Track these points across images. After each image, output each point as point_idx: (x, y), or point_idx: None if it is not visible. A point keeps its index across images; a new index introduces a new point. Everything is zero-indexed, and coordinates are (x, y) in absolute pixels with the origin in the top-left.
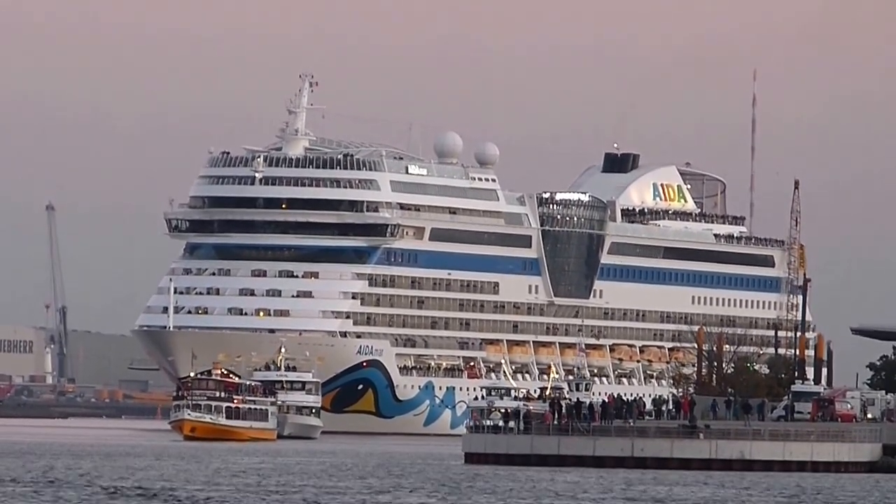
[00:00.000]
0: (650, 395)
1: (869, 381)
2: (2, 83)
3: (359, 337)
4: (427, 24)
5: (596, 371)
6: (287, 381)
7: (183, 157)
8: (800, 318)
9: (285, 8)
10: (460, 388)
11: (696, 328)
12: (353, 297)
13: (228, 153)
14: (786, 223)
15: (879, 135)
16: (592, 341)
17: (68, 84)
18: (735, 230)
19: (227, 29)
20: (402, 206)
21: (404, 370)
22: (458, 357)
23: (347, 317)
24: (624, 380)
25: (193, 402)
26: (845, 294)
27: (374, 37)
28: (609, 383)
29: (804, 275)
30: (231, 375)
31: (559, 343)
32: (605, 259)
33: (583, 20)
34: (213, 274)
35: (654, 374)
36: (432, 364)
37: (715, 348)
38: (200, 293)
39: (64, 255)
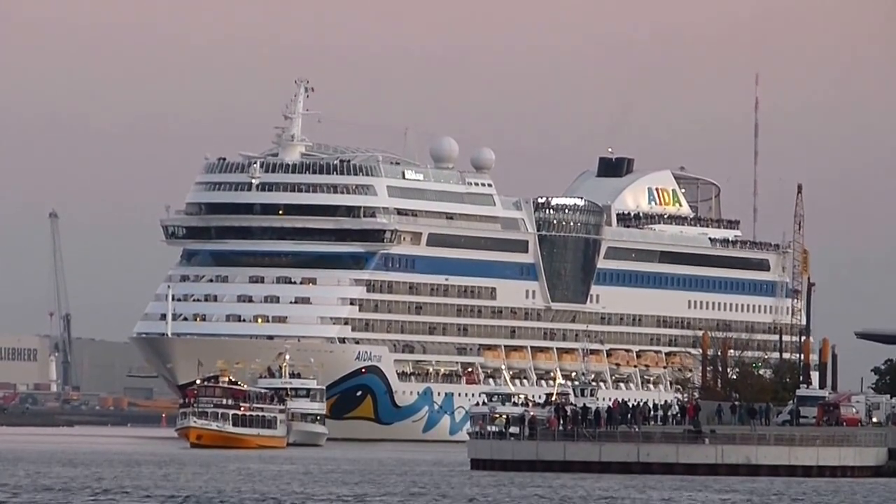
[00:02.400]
0: (652, 400)
1: (874, 386)
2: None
3: (357, 343)
4: (422, 31)
5: (593, 376)
6: (292, 389)
7: (181, 163)
8: (796, 321)
9: (280, 14)
10: (459, 394)
11: (693, 332)
12: (352, 303)
13: (225, 159)
14: (780, 227)
15: (881, 137)
16: (597, 346)
17: (62, 90)
18: (730, 234)
19: (223, 35)
20: (400, 212)
21: (403, 376)
22: (457, 363)
23: (346, 323)
24: (622, 385)
25: (200, 410)
26: (847, 298)
27: (369, 42)
28: (606, 388)
29: (808, 279)
30: (238, 383)
31: (557, 348)
32: (602, 264)
33: (577, 26)
34: (211, 281)
35: (652, 378)
36: (430, 370)
37: (720, 353)
38: (198, 300)
39: (67, 263)
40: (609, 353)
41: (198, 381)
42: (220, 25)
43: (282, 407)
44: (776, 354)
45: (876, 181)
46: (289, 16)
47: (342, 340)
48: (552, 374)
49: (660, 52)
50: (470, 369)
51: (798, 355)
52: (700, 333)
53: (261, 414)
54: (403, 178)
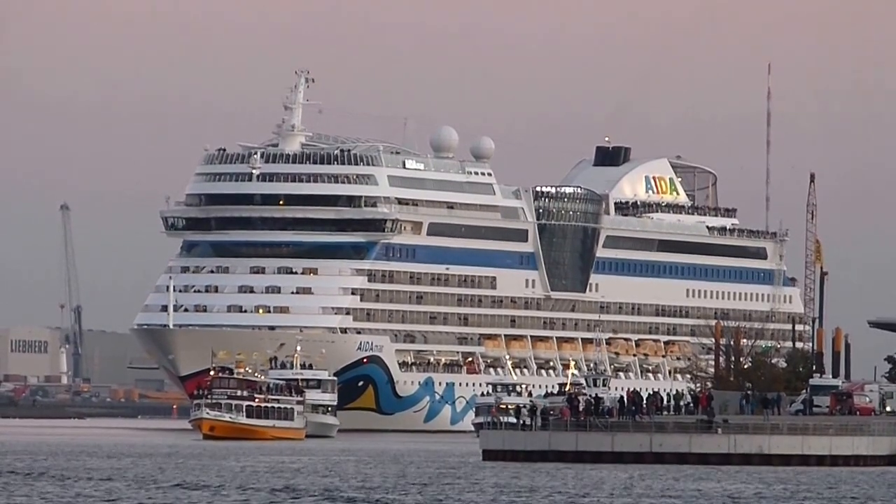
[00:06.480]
0: (665, 390)
1: (887, 374)
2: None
3: (358, 333)
4: (421, 21)
5: (592, 365)
6: (303, 380)
7: (181, 154)
8: (794, 310)
9: (280, 5)
10: (460, 384)
11: (693, 321)
12: (353, 293)
13: (224, 150)
14: (778, 215)
15: (888, 128)
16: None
17: (59, 83)
18: (727, 222)
19: (223, 26)
20: (400, 201)
21: (404, 366)
22: (457, 352)
23: (347, 313)
24: (621, 374)
25: (213, 401)
26: (860, 287)
27: (368, 33)
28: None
29: (821, 268)
30: (256, 374)
31: (556, 337)
32: (601, 253)
33: (575, 16)
34: (212, 272)
35: (651, 367)
36: (431, 360)
37: (732, 342)
38: (199, 291)
39: (78, 255)
40: (608, 342)
41: (211, 372)
42: (220, 16)
43: (300, 398)
44: (787, 343)
45: (887, 170)
46: (289, 6)
47: (343, 330)
48: (551, 363)
49: (655, 43)
50: (470, 359)
51: (811, 344)
52: (699, 322)
53: (276, 405)
54: (404, 167)
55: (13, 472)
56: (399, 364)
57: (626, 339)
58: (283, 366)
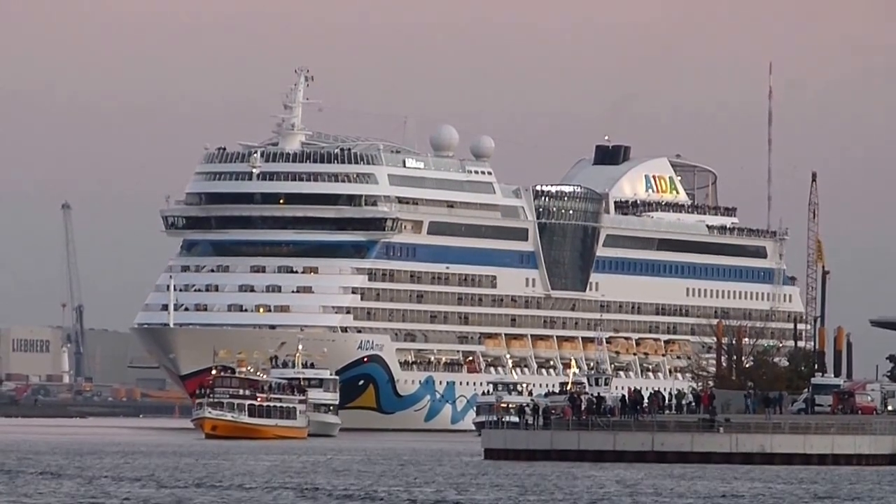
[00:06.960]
0: (668, 389)
1: (889, 373)
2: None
3: (359, 332)
4: (421, 20)
5: (593, 364)
6: (305, 379)
7: (181, 153)
8: (794, 308)
9: (280, 4)
10: (460, 383)
11: (697, 320)
12: (353, 292)
13: (224, 149)
14: (777, 214)
15: (883, 125)
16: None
17: (59, 80)
18: (727, 221)
19: (222, 25)
20: (400, 200)
21: (405, 365)
22: (458, 351)
23: (348, 312)
24: (621, 373)
25: (215, 401)
26: (861, 286)
27: (368, 31)
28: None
29: (822, 267)
30: (258, 373)
31: (556, 336)
32: (601, 251)
33: (574, 14)
34: (212, 271)
35: (651, 366)
36: (432, 358)
37: (734, 341)
38: (199, 290)
39: (79, 254)
40: (608, 341)
41: (213, 371)
42: (220, 15)
43: (302, 397)
44: (789, 342)
45: (888, 169)
46: (289, 6)
47: (344, 329)
48: (552, 362)
49: (655, 41)
50: (471, 358)
51: (813, 343)
52: (699, 321)
53: (278, 404)
54: (404, 166)
55: (21, 471)
56: (400, 363)
57: (626, 338)
58: (285, 364)
